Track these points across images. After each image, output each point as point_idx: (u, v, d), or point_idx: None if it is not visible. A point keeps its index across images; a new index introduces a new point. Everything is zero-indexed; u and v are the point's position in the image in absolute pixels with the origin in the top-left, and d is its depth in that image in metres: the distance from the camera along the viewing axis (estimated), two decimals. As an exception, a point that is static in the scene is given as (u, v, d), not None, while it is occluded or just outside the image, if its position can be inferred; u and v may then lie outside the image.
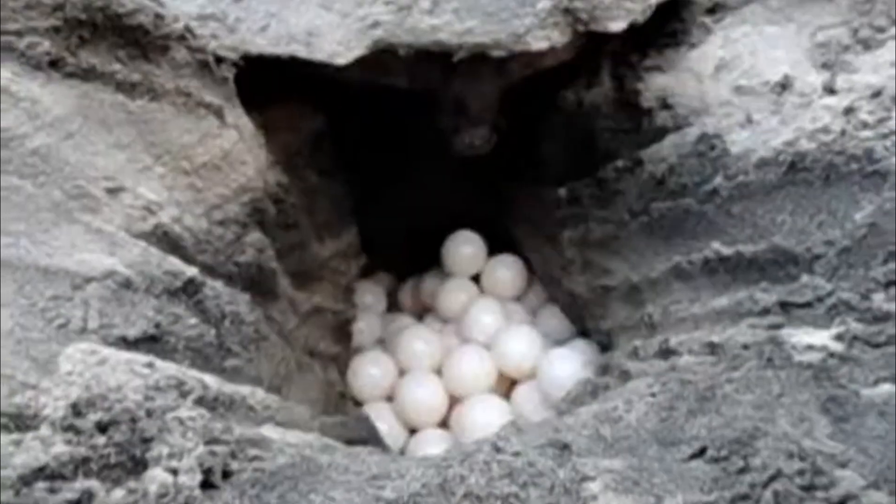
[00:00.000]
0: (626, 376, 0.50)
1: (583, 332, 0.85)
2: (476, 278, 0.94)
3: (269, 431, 0.43)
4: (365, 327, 0.92)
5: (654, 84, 0.68)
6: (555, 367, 0.77)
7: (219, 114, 0.53)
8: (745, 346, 0.42)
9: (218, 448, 0.33)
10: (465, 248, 0.94)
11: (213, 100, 0.52)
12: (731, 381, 0.39)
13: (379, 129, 0.83)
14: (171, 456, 0.31)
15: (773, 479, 0.31)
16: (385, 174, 0.88)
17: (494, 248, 0.95)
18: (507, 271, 0.93)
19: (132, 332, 0.37)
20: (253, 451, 0.36)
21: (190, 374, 0.39)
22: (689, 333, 0.52)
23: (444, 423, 0.82)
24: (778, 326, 0.44)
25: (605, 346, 0.74)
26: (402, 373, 0.85)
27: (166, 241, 0.46)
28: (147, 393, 0.34)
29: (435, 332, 0.90)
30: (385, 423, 0.80)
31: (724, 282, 0.54)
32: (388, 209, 0.93)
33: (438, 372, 0.84)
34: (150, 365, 0.36)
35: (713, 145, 0.57)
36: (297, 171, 0.73)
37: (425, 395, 0.81)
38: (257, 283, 0.57)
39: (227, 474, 0.33)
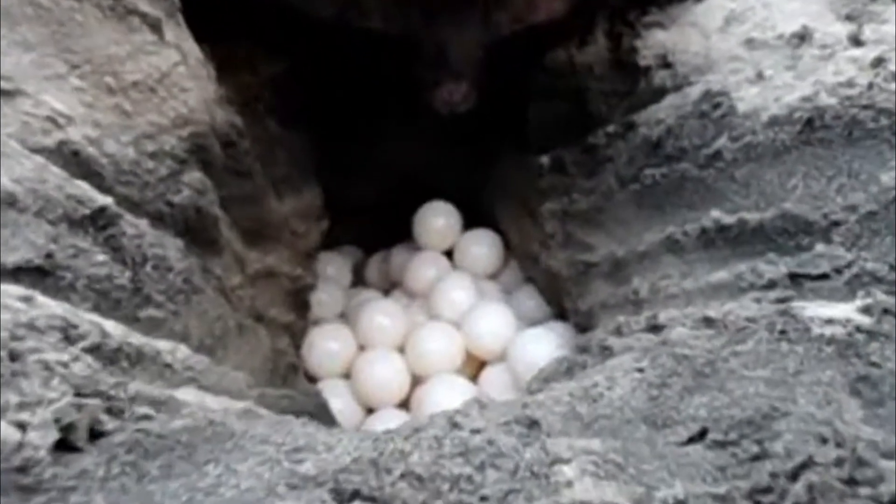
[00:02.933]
0: (607, 353, 0.44)
1: (560, 315, 0.79)
2: (449, 253, 0.87)
3: (185, 394, 0.37)
4: (326, 299, 0.85)
5: (654, 41, 0.62)
6: (527, 349, 0.71)
7: (156, 28, 0.46)
8: (751, 320, 0.36)
9: (89, 402, 0.26)
10: (437, 219, 0.88)
11: (149, 10, 0.45)
12: (736, 354, 0.33)
13: (349, 80, 0.76)
14: (21, 407, 0.24)
15: (802, 467, 0.25)
16: (353, 133, 0.81)
17: (469, 222, 0.89)
18: (481, 247, 0.86)
19: (10, 259, 0.30)
20: (144, 410, 0.29)
21: (86, 318, 0.32)
22: (680, 309, 0.46)
23: (404, 405, 0.75)
24: (786, 300, 0.38)
25: (583, 329, 0.68)
26: (362, 349, 0.78)
27: (75, 162, 0.38)
28: (14, 331, 0.27)
29: (401, 307, 0.83)
30: (340, 400, 0.73)
31: (723, 255, 0.48)
32: (356, 173, 0.86)
33: (401, 349, 0.77)
34: (27, 299, 0.29)
35: (717, 104, 0.51)
36: (255, 116, 0.66)
37: (385, 373, 0.74)
38: (195, 230, 0.49)
39: (97, 434, 0.27)
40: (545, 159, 0.73)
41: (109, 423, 0.27)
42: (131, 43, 0.44)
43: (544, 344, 0.70)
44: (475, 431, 0.31)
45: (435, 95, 0.71)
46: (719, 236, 0.49)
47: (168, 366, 0.38)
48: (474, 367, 0.77)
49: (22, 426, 0.24)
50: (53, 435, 0.25)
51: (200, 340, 0.46)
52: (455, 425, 0.32)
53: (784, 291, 0.39)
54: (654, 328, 0.45)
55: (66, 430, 0.25)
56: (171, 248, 0.45)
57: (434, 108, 0.73)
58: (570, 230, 0.71)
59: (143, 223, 0.43)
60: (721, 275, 0.46)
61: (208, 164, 0.52)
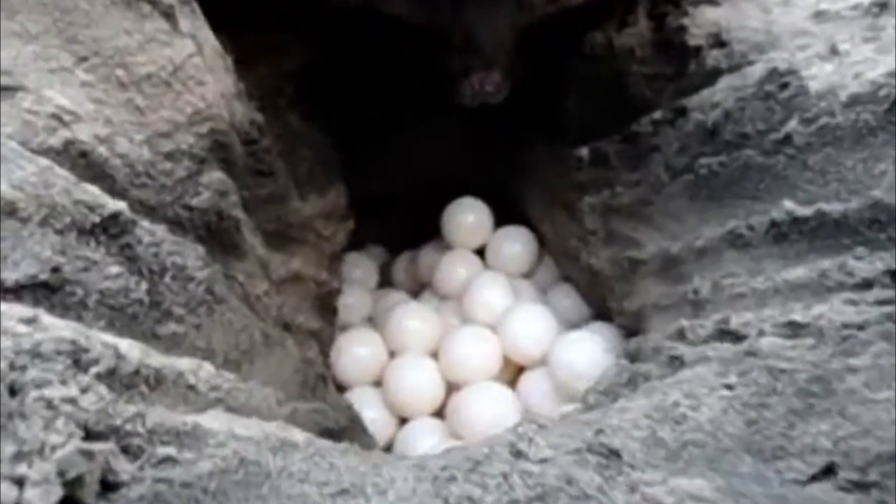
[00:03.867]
0: (676, 363, 0.39)
1: (600, 315, 0.75)
2: (480, 251, 0.83)
3: (212, 420, 0.33)
4: (353, 303, 0.81)
5: (704, 19, 0.57)
6: (569, 353, 0.67)
7: (168, 15, 0.42)
8: (854, 326, 0.32)
9: (100, 446, 0.23)
10: (467, 216, 0.83)
11: (161, -4, 0.41)
12: (852, 371, 0.28)
13: (373, 72, 0.71)
14: (18, 457, 0.21)
15: None
16: (378, 127, 0.77)
17: (501, 219, 0.84)
18: (514, 244, 0.82)
19: (12, 276, 0.27)
20: (166, 451, 0.25)
21: (99, 339, 0.28)
22: (754, 312, 0.41)
23: (438, 413, 0.71)
24: (889, 302, 0.33)
25: (631, 331, 0.63)
26: (393, 355, 0.74)
27: (84, 164, 0.34)
28: (15, 360, 0.23)
29: (432, 310, 0.79)
30: (372, 410, 0.69)
31: (798, 250, 0.43)
32: (381, 170, 0.82)
33: (435, 355, 0.73)
34: (31, 321, 0.25)
35: (785, 84, 0.47)
36: (276, 111, 0.63)
37: (419, 380, 0.70)
38: (216, 235, 0.46)
39: (110, 486, 0.23)
40: (584, 151, 0.69)
41: (124, 472, 0.23)
42: (142, 32, 0.40)
43: (588, 348, 0.65)
44: (544, 461, 0.27)
45: (464, 86, 0.66)
46: (793, 229, 0.44)
47: (191, 387, 0.34)
48: (512, 372, 0.73)
49: (19, 482, 0.20)
50: (57, 492, 0.20)
51: (226, 355, 0.42)
52: (519, 454, 0.28)
53: (884, 292, 0.34)
54: (728, 334, 0.40)
55: (73, 484, 0.21)
56: (192, 255, 0.41)
57: (462, 102, 0.69)
58: (614, 225, 0.67)
59: (161, 229, 0.39)
60: (799, 272, 0.41)
61: (229, 163, 0.48)
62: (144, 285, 0.35)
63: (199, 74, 0.44)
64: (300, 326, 0.61)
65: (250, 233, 0.52)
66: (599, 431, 0.30)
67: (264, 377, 0.48)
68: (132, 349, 0.31)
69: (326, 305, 0.70)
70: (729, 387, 0.30)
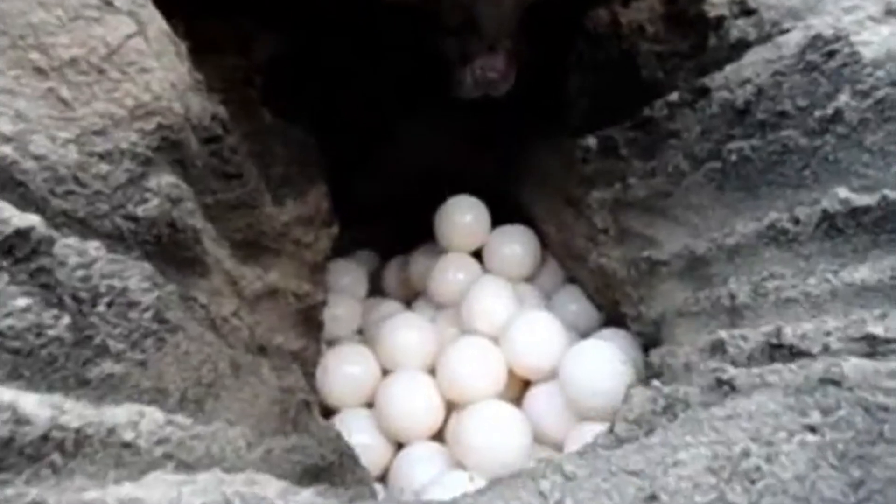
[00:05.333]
0: (724, 388, 0.33)
1: (610, 320, 0.68)
2: (477, 254, 0.76)
3: (153, 487, 0.26)
4: (341, 314, 0.75)
5: (726, -14, 0.50)
6: (581, 366, 0.60)
7: (100, -12, 0.35)
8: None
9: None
10: (463, 217, 0.76)
11: (89, -35, 0.34)
12: None
13: (358, 62, 0.64)
14: None
15: None
16: (363, 123, 0.70)
17: (499, 218, 0.77)
18: (514, 245, 0.76)
19: None
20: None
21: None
22: (811, 322, 0.34)
23: (438, 436, 0.64)
24: None
25: (650, 340, 0.57)
26: (386, 372, 0.67)
27: (-17, 170, 0.28)
28: None
29: (427, 320, 0.72)
30: (364, 435, 0.62)
31: (857, 246, 0.37)
32: (367, 169, 0.75)
33: (432, 371, 0.66)
34: None
35: (831, 52, 0.40)
36: (245, 105, 0.55)
37: (415, 400, 0.63)
38: (169, 249, 0.39)
39: None
40: (590, 141, 0.62)
41: None
42: (63, 6, 0.33)
43: (603, 359, 0.59)
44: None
45: (463, 75, 0.59)
46: (850, 222, 0.37)
47: (128, 445, 0.27)
48: (517, 388, 0.66)
49: None
50: None
51: (182, 395, 0.35)
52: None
53: None
54: (781, 348, 0.34)
55: None
56: (135, 276, 0.34)
57: (461, 94, 0.62)
58: (626, 222, 0.60)
59: (93, 246, 0.32)
60: (862, 273, 0.35)
61: (183, 164, 0.41)
62: (66, 319, 0.28)
63: (141, 60, 0.37)
64: (279, 348, 0.55)
65: (214, 244, 0.45)
66: (640, 486, 0.23)
67: (233, 415, 0.41)
68: (40, 407, 0.24)
69: (310, 321, 0.63)
70: (812, 429, 0.23)
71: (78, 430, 0.25)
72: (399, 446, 0.63)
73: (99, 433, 0.26)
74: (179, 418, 0.33)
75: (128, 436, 0.28)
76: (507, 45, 0.57)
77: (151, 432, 0.30)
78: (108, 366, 0.30)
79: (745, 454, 0.23)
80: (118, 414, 0.28)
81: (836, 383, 0.26)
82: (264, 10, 0.58)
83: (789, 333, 0.34)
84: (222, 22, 0.55)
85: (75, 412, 0.25)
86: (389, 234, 0.84)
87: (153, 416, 0.30)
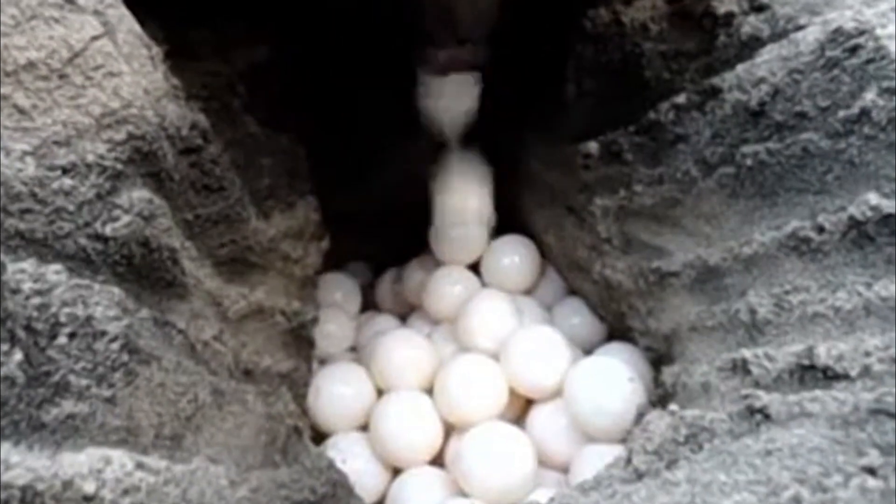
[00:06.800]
0: (757, 417, 0.29)
1: (614, 334, 0.65)
2: (474, 267, 0.73)
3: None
4: (333, 331, 0.72)
5: (734, -19, 0.48)
6: (588, 384, 0.57)
7: (60, -15, 0.32)
8: None
9: None
10: (459, 228, 0.73)
11: (47, -40, 0.31)
12: None
13: (345, 67, 0.61)
14: None
15: None
16: (352, 131, 0.67)
17: (496, 228, 0.74)
18: (513, 257, 0.73)
19: None
20: None
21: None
22: (846, 341, 0.31)
23: (437, 461, 0.61)
24: None
25: (660, 356, 0.54)
26: (381, 392, 0.64)
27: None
28: None
29: (423, 336, 0.69)
30: (358, 460, 0.59)
31: (893, 255, 0.34)
32: (358, 179, 0.72)
33: (429, 391, 0.63)
34: None
35: (854, 47, 0.37)
36: (228, 114, 0.52)
37: (412, 422, 0.60)
38: (142, 271, 0.35)
39: None
40: (592, 146, 0.59)
41: None
42: (19, 6, 0.30)
43: (609, 376, 0.56)
44: None
45: (430, 57, 0.57)
46: (882, 230, 0.34)
47: (90, 499, 0.24)
48: (518, 407, 0.63)
49: None
50: None
51: (156, 432, 0.32)
52: None
53: None
54: (813, 370, 0.31)
55: None
56: (102, 302, 0.30)
57: (428, 72, 0.60)
58: (632, 231, 0.57)
59: (52, 270, 0.29)
60: (899, 286, 0.32)
61: (158, 178, 0.38)
62: (18, 355, 0.25)
63: (109, 63, 0.34)
64: (266, 371, 0.51)
65: (194, 264, 0.42)
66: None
67: (215, 449, 0.38)
68: (-20, 461, 0.20)
69: (300, 340, 0.60)
70: (870, 470, 0.20)
71: (26, 489, 0.21)
72: (395, 472, 0.60)
73: (52, 489, 0.23)
74: (152, 461, 0.30)
75: (89, 487, 0.24)
76: (481, 38, 0.55)
77: (118, 480, 0.26)
78: (68, 406, 0.27)
79: (797, 501, 0.20)
80: (78, 462, 0.25)
81: (892, 415, 0.23)
82: (248, 15, 0.55)
83: (823, 354, 0.31)
84: (203, 27, 0.52)
85: (23, 466, 0.22)
86: (384, 246, 0.81)
87: (121, 460, 0.27)
